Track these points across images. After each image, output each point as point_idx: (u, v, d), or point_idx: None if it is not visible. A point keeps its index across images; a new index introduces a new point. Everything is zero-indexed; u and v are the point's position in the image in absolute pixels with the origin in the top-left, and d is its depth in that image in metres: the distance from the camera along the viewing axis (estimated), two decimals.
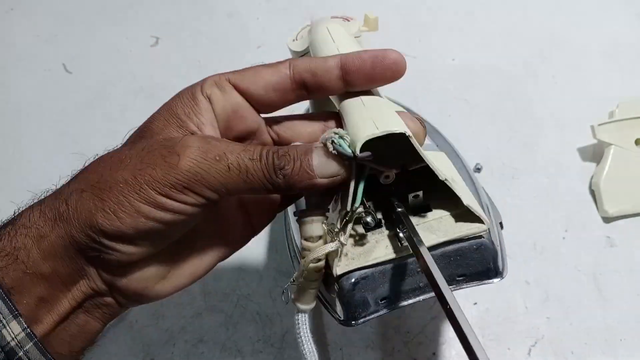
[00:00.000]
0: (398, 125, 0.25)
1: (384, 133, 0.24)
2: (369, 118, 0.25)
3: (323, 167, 0.24)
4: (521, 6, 0.65)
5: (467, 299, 0.45)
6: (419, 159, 0.26)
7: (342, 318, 0.29)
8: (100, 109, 0.59)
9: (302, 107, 0.49)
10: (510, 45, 0.62)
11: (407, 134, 0.25)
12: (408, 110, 0.47)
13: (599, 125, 0.50)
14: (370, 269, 0.27)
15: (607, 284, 0.46)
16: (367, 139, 0.24)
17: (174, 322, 0.45)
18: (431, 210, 0.29)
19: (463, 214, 0.28)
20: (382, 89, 0.33)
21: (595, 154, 0.53)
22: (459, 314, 0.22)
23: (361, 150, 0.24)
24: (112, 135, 0.57)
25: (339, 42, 0.32)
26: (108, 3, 0.69)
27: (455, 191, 0.27)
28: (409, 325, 0.44)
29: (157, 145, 0.24)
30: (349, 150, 0.24)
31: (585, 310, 0.45)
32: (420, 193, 0.29)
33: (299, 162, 0.24)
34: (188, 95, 0.27)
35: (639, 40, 0.62)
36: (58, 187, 0.26)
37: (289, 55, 0.62)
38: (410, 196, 0.29)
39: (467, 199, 0.28)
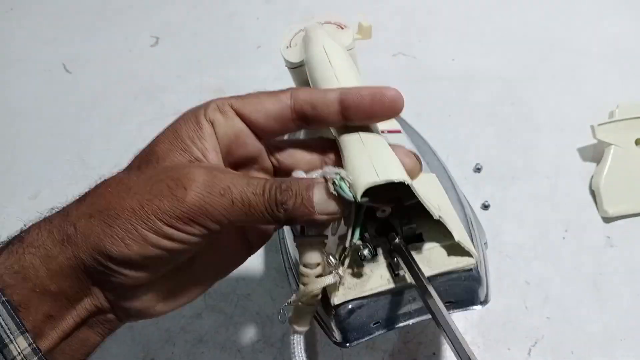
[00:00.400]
0: (398, 173, 0.26)
1: (385, 182, 0.25)
2: (370, 162, 0.26)
3: (323, 205, 0.25)
4: (521, 7, 0.66)
5: None
6: (415, 196, 0.27)
7: (338, 340, 0.31)
8: (100, 109, 0.59)
9: None
10: (510, 45, 0.62)
11: (406, 183, 0.25)
12: (402, 121, 0.48)
13: (599, 125, 0.50)
14: (366, 298, 0.29)
15: (607, 284, 0.46)
16: (368, 186, 0.25)
17: (174, 322, 0.45)
18: (423, 240, 0.31)
19: (453, 245, 0.30)
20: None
21: (595, 154, 0.53)
22: (461, 341, 0.24)
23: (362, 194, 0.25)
24: (113, 135, 0.57)
25: (337, 67, 0.32)
26: (108, 3, 0.69)
27: (448, 227, 0.28)
28: (409, 325, 0.44)
29: (163, 175, 0.25)
30: (350, 194, 0.25)
31: (585, 310, 0.45)
32: (415, 225, 0.30)
33: (300, 198, 0.25)
34: (192, 119, 0.27)
35: (639, 41, 0.62)
36: (65, 205, 0.27)
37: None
38: (405, 227, 0.30)
39: (458, 233, 0.29)
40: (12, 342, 0.24)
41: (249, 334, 0.44)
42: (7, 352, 0.24)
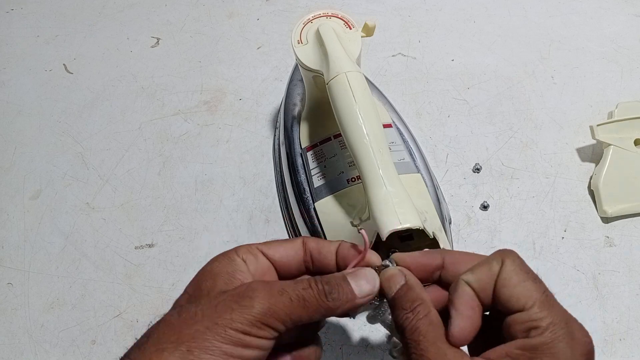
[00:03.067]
0: (415, 220, 0.33)
1: (406, 229, 0.32)
2: (393, 210, 0.33)
3: (361, 289, 0.29)
4: (520, 7, 0.66)
5: None
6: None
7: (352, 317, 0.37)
8: (101, 109, 0.59)
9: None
10: (509, 45, 0.62)
11: (421, 228, 0.33)
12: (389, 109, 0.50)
13: (598, 125, 0.50)
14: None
15: (606, 283, 0.46)
16: (391, 232, 0.32)
17: None
18: (413, 239, 0.40)
19: (435, 242, 0.38)
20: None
21: (594, 154, 0.53)
22: None
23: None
24: (113, 135, 0.57)
25: (360, 102, 0.36)
26: (108, 3, 0.69)
27: (439, 242, 0.37)
28: None
29: (223, 296, 0.27)
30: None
31: (584, 309, 0.45)
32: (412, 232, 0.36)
33: (342, 287, 0.29)
34: (225, 258, 0.30)
35: (638, 41, 0.62)
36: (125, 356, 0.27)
37: (290, 57, 0.63)
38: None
39: (444, 243, 0.38)
40: None
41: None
42: None
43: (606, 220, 0.49)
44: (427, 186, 0.46)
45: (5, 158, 0.56)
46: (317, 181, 0.45)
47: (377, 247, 0.37)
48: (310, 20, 0.42)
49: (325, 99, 0.42)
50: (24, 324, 0.46)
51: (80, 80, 0.62)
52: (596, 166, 0.52)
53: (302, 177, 0.46)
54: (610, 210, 0.48)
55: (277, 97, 0.59)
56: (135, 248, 0.49)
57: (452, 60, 0.61)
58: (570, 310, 0.44)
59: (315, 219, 0.44)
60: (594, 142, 0.51)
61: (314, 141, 0.47)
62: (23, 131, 0.58)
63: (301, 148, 0.47)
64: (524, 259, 0.48)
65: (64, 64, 0.63)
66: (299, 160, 0.47)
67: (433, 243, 0.40)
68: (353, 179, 0.44)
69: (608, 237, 0.48)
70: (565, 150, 0.54)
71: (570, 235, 0.49)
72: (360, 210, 0.41)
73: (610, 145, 0.50)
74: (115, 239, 0.50)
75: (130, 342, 0.44)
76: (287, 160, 0.48)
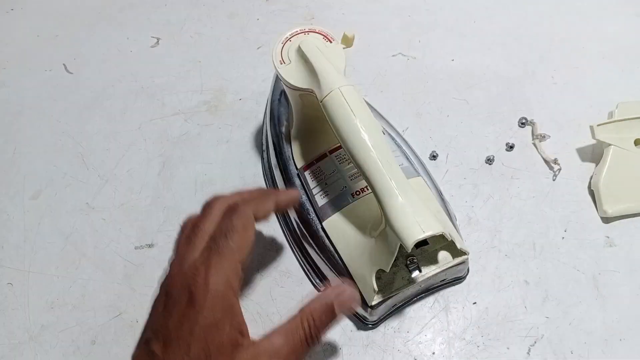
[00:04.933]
0: (436, 227, 0.34)
1: (429, 236, 0.34)
2: (414, 219, 0.34)
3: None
4: (521, 6, 0.66)
5: (466, 299, 0.45)
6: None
7: (371, 322, 0.44)
8: (101, 109, 0.59)
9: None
10: (509, 45, 0.62)
11: (442, 233, 0.34)
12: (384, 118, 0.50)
13: (598, 125, 0.50)
14: (392, 295, 0.41)
15: (607, 283, 0.46)
16: (416, 242, 0.33)
17: None
18: (428, 244, 0.42)
19: (450, 245, 0.41)
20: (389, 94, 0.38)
21: (594, 154, 0.53)
22: None
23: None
24: (113, 135, 0.57)
25: (359, 115, 0.37)
26: (108, 3, 0.69)
27: (455, 242, 0.40)
28: (409, 325, 0.44)
29: None
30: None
31: (584, 309, 0.45)
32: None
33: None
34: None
35: (639, 41, 0.62)
36: None
37: None
38: None
39: (460, 243, 0.41)
40: None
41: (250, 333, 0.44)
42: None
43: (606, 220, 0.49)
44: (429, 188, 0.46)
45: (5, 158, 0.56)
46: (321, 200, 0.45)
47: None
48: (288, 39, 0.42)
49: (315, 115, 0.42)
50: (24, 324, 0.46)
51: (80, 80, 0.62)
52: (596, 166, 0.52)
53: (304, 198, 0.45)
54: (611, 210, 0.48)
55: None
56: (135, 248, 0.49)
57: (452, 60, 0.61)
58: (570, 310, 0.45)
59: (326, 239, 0.43)
60: (594, 142, 0.51)
61: (310, 159, 0.46)
62: (23, 131, 0.58)
63: (297, 169, 0.47)
64: (524, 258, 0.48)
65: (64, 64, 0.63)
66: (297, 182, 0.47)
67: (449, 245, 0.42)
68: (357, 192, 0.44)
69: (608, 237, 0.48)
70: (565, 150, 0.54)
71: (571, 235, 0.49)
72: (374, 223, 0.41)
73: (610, 145, 0.50)
74: (115, 239, 0.50)
75: (130, 342, 0.44)
76: (284, 184, 0.47)
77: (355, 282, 0.42)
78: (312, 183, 0.46)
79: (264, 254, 0.48)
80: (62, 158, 0.56)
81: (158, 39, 0.65)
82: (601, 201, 0.49)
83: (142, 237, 0.50)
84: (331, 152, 0.46)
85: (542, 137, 0.54)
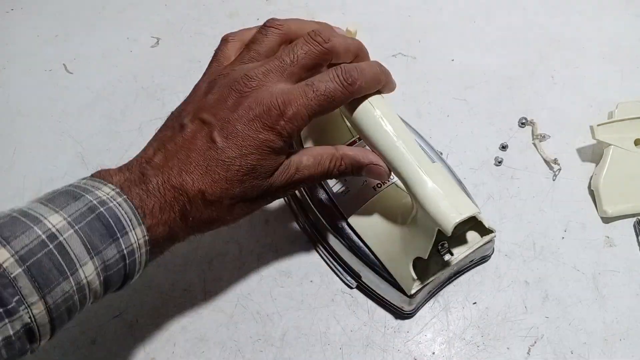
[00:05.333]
0: (472, 208, 0.35)
1: (467, 217, 0.35)
2: (449, 204, 0.35)
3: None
4: (521, 6, 0.66)
5: (466, 299, 0.45)
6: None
7: (408, 311, 0.44)
8: (101, 109, 0.59)
9: None
10: (509, 45, 0.62)
11: (479, 212, 0.36)
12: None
13: (598, 125, 0.50)
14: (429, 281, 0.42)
15: (607, 283, 0.46)
16: (456, 224, 0.34)
17: (175, 322, 0.45)
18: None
19: (478, 224, 0.42)
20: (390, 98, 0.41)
21: (594, 154, 0.53)
22: None
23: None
24: (113, 135, 0.57)
25: (378, 106, 0.37)
26: (108, 3, 0.69)
27: (483, 222, 0.41)
28: (409, 325, 0.44)
29: None
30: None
31: (584, 309, 0.45)
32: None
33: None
34: None
35: (639, 41, 0.62)
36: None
37: None
38: None
39: (487, 222, 0.42)
40: (131, 230, 0.30)
41: (250, 333, 0.44)
42: (126, 239, 0.30)
43: (606, 220, 0.49)
44: (449, 172, 0.46)
45: (5, 158, 0.56)
46: (342, 197, 0.45)
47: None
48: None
49: (340, 115, 0.42)
50: None
51: (80, 80, 0.62)
52: (596, 166, 0.52)
53: (324, 197, 0.45)
54: (611, 210, 0.48)
55: None
56: None
57: (452, 60, 0.61)
58: (570, 310, 0.45)
59: (353, 235, 0.43)
60: (594, 142, 0.51)
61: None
62: (23, 131, 0.58)
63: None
64: (524, 259, 0.48)
65: (64, 64, 0.63)
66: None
67: (476, 224, 0.42)
68: (379, 185, 0.44)
69: (608, 237, 0.48)
70: (565, 150, 0.54)
71: (571, 235, 0.49)
72: (403, 212, 0.41)
73: (610, 145, 0.50)
74: None
75: (130, 342, 0.44)
76: (302, 189, 0.47)
77: (390, 275, 0.42)
78: (330, 181, 0.46)
79: (264, 253, 0.48)
80: (62, 158, 0.56)
81: (158, 39, 0.65)
82: (601, 201, 0.49)
83: None
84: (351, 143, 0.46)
85: (542, 137, 0.54)
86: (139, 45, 0.65)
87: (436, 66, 0.61)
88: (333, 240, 0.46)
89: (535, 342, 0.43)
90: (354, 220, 0.44)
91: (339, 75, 0.35)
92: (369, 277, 0.44)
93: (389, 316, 0.45)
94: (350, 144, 0.46)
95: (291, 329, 0.45)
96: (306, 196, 0.46)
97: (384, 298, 0.45)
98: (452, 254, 0.41)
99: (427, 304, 0.45)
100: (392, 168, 0.37)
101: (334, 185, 0.45)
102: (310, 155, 0.37)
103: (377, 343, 0.44)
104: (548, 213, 0.50)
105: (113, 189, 0.31)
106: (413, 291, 0.41)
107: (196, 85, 0.39)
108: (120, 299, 0.46)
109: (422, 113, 0.57)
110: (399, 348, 0.43)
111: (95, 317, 0.46)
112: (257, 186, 0.35)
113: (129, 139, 0.57)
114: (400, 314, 0.45)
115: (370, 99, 0.37)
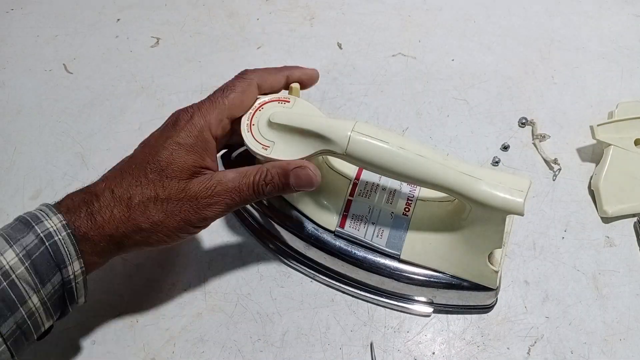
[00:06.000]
0: (525, 181, 0.37)
1: (527, 191, 0.36)
2: (508, 189, 0.36)
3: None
4: (521, 6, 0.66)
5: None
6: None
7: (489, 306, 0.45)
8: (101, 109, 0.59)
9: None
10: (509, 45, 0.62)
11: (531, 183, 0.37)
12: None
13: (599, 125, 0.50)
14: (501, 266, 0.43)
15: (607, 283, 0.46)
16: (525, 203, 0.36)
17: (175, 322, 0.45)
18: None
19: None
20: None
21: (594, 154, 0.53)
22: None
23: None
24: (113, 135, 0.57)
25: (388, 139, 0.37)
26: (108, 3, 0.69)
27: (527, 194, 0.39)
28: (409, 325, 0.44)
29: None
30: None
31: (584, 309, 0.45)
32: None
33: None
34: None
35: (638, 41, 0.62)
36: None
37: (290, 57, 0.63)
38: None
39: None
40: (70, 264, 0.34)
41: (250, 333, 0.44)
42: (65, 271, 0.34)
43: (606, 220, 0.49)
44: None
45: (5, 158, 0.56)
46: (380, 240, 0.42)
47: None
48: (251, 125, 0.39)
49: (325, 169, 0.42)
50: None
51: (80, 80, 0.62)
52: (596, 166, 0.52)
53: (360, 254, 0.43)
54: (611, 210, 0.48)
55: None
56: None
57: (452, 60, 0.61)
58: (570, 310, 0.45)
59: (413, 267, 0.42)
60: (594, 142, 0.51)
61: (340, 213, 0.43)
62: (23, 131, 0.58)
63: (333, 232, 0.43)
64: (524, 258, 0.48)
65: (64, 64, 0.63)
66: (340, 243, 0.43)
67: None
68: (407, 209, 0.42)
69: (608, 237, 0.48)
70: (565, 150, 0.54)
71: (571, 235, 0.49)
72: (450, 218, 0.40)
73: (610, 145, 0.50)
74: None
75: (130, 342, 0.44)
76: (334, 255, 0.44)
77: (466, 281, 0.42)
78: (359, 232, 0.43)
79: (264, 253, 0.48)
80: (62, 158, 0.56)
81: (158, 39, 0.65)
82: (601, 201, 0.49)
83: None
84: (351, 194, 0.43)
85: (542, 137, 0.54)
86: (139, 45, 0.65)
87: (436, 66, 0.61)
88: (393, 285, 0.43)
89: (535, 342, 0.43)
90: (405, 254, 0.42)
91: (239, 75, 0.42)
92: (446, 296, 0.43)
93: (389, 316, 0.45)
94: (353, 189, 0.43)
95: (291, 329, 0.44)
96: (340, 260, 0.43)
97: (466, 305, 0.44)
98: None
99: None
100: (435, 185, 0.36)
101: (365, 233, 0.42)
102: (236, 171, 0.37)
103: (377, 343, 0.44)
104: (548, 213, 0.50)
105: (60, 221, 0.35)
106: (498, 282, 0.41)
107: None
108: (120, 299, 0.46)
109: (422, 113, 0.57)
110: (399, 348, 0.43)
111: (95, 317, 0.46)
112: (169, 186, 0.36)
113: (129, 139, 0.57)
114: (485, 310, 0.45)
115: (376, 135, 0.36)
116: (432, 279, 0.42)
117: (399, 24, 0.65)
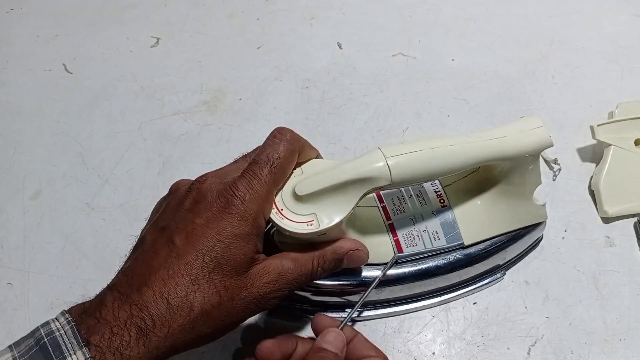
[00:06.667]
0: (534, 118, 0.39)
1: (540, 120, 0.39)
2: (524, 130, 0.38)
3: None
4: (521, 6, 0.66)
5: (467, 299, 0.45)
6: None
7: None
8: (101, 109, 0.59)
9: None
10: (509, 45, 0.62)
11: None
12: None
13: (599, 125, 0.50)
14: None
15: (607, 283, 0.46)
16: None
17: None
18: None
19: None
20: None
21: (594, 154, 0.53)
22: None
23: None
24: (113, 135, 0.57)
25: (420, 145, 0.36)
26: (108, 3, 0.69)
27: None
28: (409, 325, 0.44)
29: None
30: None
31: (584, 310, 0.45)
32: None
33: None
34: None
35: (639, 41, 0.62)
36: None
37: (290, 57, 0.63)
38: None
39: None
40: (71, 355, 0.27)
41: (250, 333, 0.44)
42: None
43: (606, 220, 0.49)
44: None
45: (5, 158, 0.56)
46: (439, 241, 0.41)
47: None
48: (280, 211, 0.35)
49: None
50: (24, 324, 0.46)
51: (80, 80, 0.62)
52: (596, 166, 0.52)
53: (429, 262, 0.42)
54: (611, 210, 0.48)
55: (276, 97, 0.59)
56: None
57: (452, 60, 0.61)
58: (570, 311, 0.44)
59: (477, 245, 0.42)
60: (595, 142, 0.51)
61: (391, 240, 0.41)
62: (23, 131, 0.58)
63: (395, 262, 0.41)
64: (525, 259, 0.47)
65: (64, 64, 0.63)
66: (408, 270, 0.42)
67: None
68: (442, 200, 0.42)
69: (608, 237, 0.48)
70: (565, 150, 0.54)
71: (571, 235, 0.49)
72: (479, 182, 0.42)
73: (610, 145, 0.50)
74: (115, 239, 0.50)
75: None
76: (408, 281, 0.42)
77: (523, 233, 0.43)
78: (418, 246, 0.41)
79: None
80: (62, 158, 0.56)
81: (158, 39, 0.65)
82: (601, 202, 0.49)
83: None
84: (388, 218, 0.42)
85: None
86: (139, 45, 0.65)
87: (436, 66, 0.61)
88: (469, 272, 0.44)
89: (535, 342, 0.43)
90: (467, 239, 0.42)
91: (278, 138, 0.35)
92: (510, 253, 0.45)
93: (388, 316, 0.45)
94: (386, 214, 0.42)
95: (291, 329, 0.44)
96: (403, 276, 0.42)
97: (527, 248, 0.47)
98: None
99: (427, 304, 0.45)
100: (468, 167, 0.38)
101: (425, 245, 0.41)
102: (292, 260, 0.34)
103: (377, 343, 0.43)
104: (548, 213, 0.50)
105: (67, 319, 0.29)
106: (547, 214, 0.44)
107: None
108: None
109: (422, 113, 0.57)
110: (399, 348, 0.43)
111: None
112: (231, 286, 0.31)
113: (129, 139, 0.57)
114: (537, 244, 0.48)
115: (403, 150, 0.35)
116: (498, 245, 0.43)
117: (399, 24, 0.65)
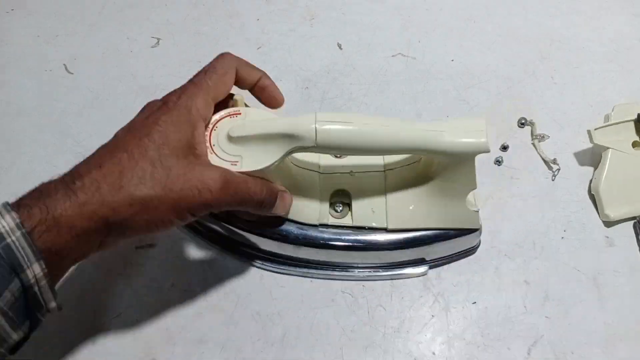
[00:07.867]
0: (481, 120, 0.38)
1: (484, 126, 0.38)
2: (468, 132, 0.38)
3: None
4: (521, 7, 0.66)
5: (466, 299, 0.45)
6: None
7: (477, 245, 0.48)
8: (101, 109, 0.59)
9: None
10: (509, 45, 0.62)
11: (484, 119, 0.39)
12: None
13: (596, 129, 0.50)
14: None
15: (607, 283, 0.46)
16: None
17: (175, 322, 0.45)
18: None
19: None
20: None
21: (594, 154, 0.53)
22: None
23: None
24: (113, 135, 0.57)
25: (351, 120, 0.38)
26: (108, 3, 0.69)
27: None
28: (409, 325, 0.45)
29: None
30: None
31: (584, 310, 0.45)
32: None
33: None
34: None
35: (639, 41, 0.62)
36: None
37: (290, 57, 0.63)
38: None
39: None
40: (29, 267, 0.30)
41: (250, 333, 0.44)
42: (24, 275, 0.30)
43: (608, 224, 0.49)
44: None
45: (5, 158, 0.56)
46: (363, 219, 0.43)
47: None
48: (211, 146, 0.38)
49: (290, 166, 0.42)
50: None
51: (80, 80, 0.62)
52: (595, 169, 0.51)
53: (350, 235, 0.44)
54: (613, 214, 0.48)
55: None
56: (136, 248, 0.49)
57: (452, 60, 0.61)
58: (570, 311, 0.45)
59: (401, 232, 0.43)
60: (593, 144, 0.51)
61: (319, 205, 0.44)
62: (22, 131, 0.58)
63: (317, 226, 0.44)
64: (524, 258, 0.48)
65: (64, 64, 0.63)
66: (327, 236, 0.44)
67: None
68: (379, 182, 0.44)
69: (608, 237, 0.48)
70: (565, 150, 0.54)
71: (571, 236, 0.49)
72: (414, 175, 0.42)
73: (608, 148, 0.50)
74: None
75: (130, 343, 0.44)
76: (325, 247, 0.44)
77: (451, 229, 0.43)
78: (345, 218, 0.44)
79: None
80: (62, 158, 0.56)
81: (158, 39, 0.65)
82: (602, 206, 0.49)
83: (142, 237, 0.50)
84: (324, 178, 0.44)
85: (542, 137, 0.54)
86: (139, 45, 0.65)
87: (436, 66, 0.61)
88: (388, 256, 0.45)
89: (535, 342, 0.43)
90: (392, 223, 0.43)
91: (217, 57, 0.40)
92: (437, 251, 0.45)
93: (389, 316, 0.45)
94: (324, 185, 0.44)
95: (291, 329, 0.45)
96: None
97: (458, 253, 0.46)
98: None
99: (427, 303, 0.45)
100: (398, 150, 0.39)
101: (346, 218, 0.44)
102: (239, 174, 0.36)
103: (377, 343, 0.44)
104: (548, 213, 0.50)
105: (13, 219, 0.31)
106: (481, 221, 0.44)
107: None
108: (120, 300, 0.46)
109: (422, 113, 0.57)
110: (399, 348, 0.43)
111: (96, 317, 0.46)
112: (168, 165, 0.34)
113: None
114: (471, 252, 0.47)
115: (337, 118, 0.37)
116: (421, 238, 0.43)
117: (399, 24, 0.65)
